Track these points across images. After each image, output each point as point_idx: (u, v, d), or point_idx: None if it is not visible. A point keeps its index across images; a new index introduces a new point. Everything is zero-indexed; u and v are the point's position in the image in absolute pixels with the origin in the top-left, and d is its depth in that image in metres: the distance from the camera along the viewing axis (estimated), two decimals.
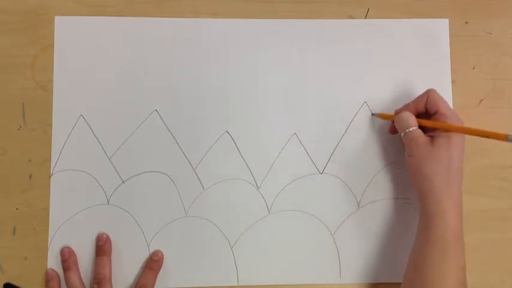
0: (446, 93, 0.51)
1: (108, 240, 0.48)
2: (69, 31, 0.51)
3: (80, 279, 0.48)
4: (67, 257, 0.48)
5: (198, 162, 0.50)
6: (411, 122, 0.45)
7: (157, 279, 0.48)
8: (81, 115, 0.50)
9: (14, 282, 0.48)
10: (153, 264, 0.48)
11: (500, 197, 0.50)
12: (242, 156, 0.50)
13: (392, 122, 0.48)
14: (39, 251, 0.49)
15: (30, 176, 0.49)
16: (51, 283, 0.48)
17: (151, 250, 0.49)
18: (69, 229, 0.49)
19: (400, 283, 0.46)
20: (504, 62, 0.52)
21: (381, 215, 0.50)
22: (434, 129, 0.45)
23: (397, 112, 0.48)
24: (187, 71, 0.51)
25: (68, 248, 0.48)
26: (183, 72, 0.51)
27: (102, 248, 0.48)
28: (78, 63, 0.50)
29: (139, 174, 0.50)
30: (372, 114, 0.51)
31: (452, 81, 0.52)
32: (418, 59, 0.52)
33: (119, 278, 0.48)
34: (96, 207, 0.49)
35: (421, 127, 0.46)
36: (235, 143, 0.50)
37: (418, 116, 0.46)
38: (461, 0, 0.53)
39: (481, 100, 0.52)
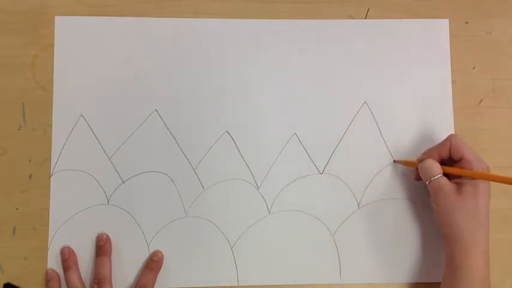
0: (446, 93, 0.51)
1: (108, 240, 0.48)
2: (69, 31, 0.51)
3: (80, 279, 0.48)
4: (67, 257, 0.48)
5: (198, 162, 0.50)
6: (436, 170, 0.45)
7: (157, 279, 0.48)
8: (81, 115, 0.50)
9: (14, 282, 0.48)
10: (153, 264, 0.48)
11: (501, 197, 0.50)
12: (242, 156, 0.50)
13: (417, 169, 0.47)
14: (39, 251, 0.49)
15: (30, 176, 0.49)
16: (51, 283, 0.48)
17: (151, 250, 0.49)
18: (69, 229, 0.49)
19: (399, 283, 0.46)
20: (504, 62, 0.52)
21: (380, 215, 0.50)
22: (459, 176, 0.45)
23: (420, 160, 0.47)
24: (187, 71, 0.51)
25: (68, 248, 0.48)
26: (183, 72, 0.51)
27: (102, 248, 0.48)
28: (78, 63, 0.50)
29: (139, 174, 0.50)
30: (394, 161, 0.50)
31: (452, 81, 0.52)
32: (418, 59, 0.52)
33: (119, 278, 0.48)
34: (96, 207, 0.49)
35: (445, 173, 0.45)
36: (235, 143, 0.50)
37: (442, 162, 0.46)
38: (461, 0, 0.53)
39: (481, 100, 0.52)
